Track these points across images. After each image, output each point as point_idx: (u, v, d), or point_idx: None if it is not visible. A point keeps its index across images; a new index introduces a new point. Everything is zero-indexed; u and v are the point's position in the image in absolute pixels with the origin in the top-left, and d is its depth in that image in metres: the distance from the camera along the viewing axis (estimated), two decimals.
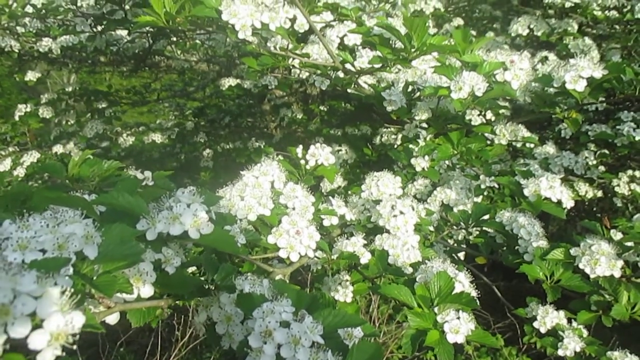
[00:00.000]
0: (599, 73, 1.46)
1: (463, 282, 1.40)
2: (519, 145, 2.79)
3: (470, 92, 1.48)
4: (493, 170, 2.30)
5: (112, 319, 0.92)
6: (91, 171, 1.40)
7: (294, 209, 1.47)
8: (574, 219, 4.44)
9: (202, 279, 1.10)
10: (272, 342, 0.89)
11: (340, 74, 2.00)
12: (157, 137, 4.15)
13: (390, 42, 1.62)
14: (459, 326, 1.28)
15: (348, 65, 1.84)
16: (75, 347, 0.63)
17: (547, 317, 1.83)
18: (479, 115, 1.92)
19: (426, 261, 1.47)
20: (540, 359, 4.27)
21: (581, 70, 1.44)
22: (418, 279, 1.43)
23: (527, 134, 2.21)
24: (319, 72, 1.98)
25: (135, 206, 1.00)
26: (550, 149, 2.81)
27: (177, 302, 1.00)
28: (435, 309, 1.30)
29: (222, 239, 0.97)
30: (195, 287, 1.02)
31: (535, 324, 1.83)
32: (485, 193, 2.36)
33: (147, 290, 0.96)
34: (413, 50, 1.51)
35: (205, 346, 4.53)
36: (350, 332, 1.10)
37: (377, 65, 1.77)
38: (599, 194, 3.06)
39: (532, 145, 2.76)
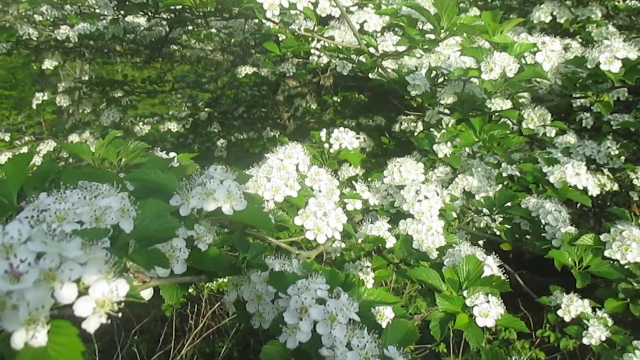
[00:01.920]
0: (634, 54, 1.43)
1: (491, 266, 1.38)
2: (539, 134, 2.75)
3: (502, 74, 1.46)
4: (514, 158, 2.27)
5: (146, 294, 0.92)
6: (117, 152, 1.39)
7: (320, 191, 1.46)
8: (586, 213, 4.39)
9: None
10: (308, 318, 0.88)
11: (363, 59, 1.98)
12: (173, 126, 4.15)
13: (418, 23, 1.60)
14: (488, 310, 1.26)
15: (371, 50, 1.82)
16: (109, 320, 0.63)
17: (572, 306, 1.80)
18: (507, 98, 1.89)
19: (454, 245, 1.45)
20: (553, 353, 4.25)
21: (616, 51, 1.41)
22: (446, 262, 1.41)
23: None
24: (341, 56, 1.96)
25: (168, 182, 0.99)
26: (571, 138, 2.77)
27: (210, 279, 0.99)
28: (464, 293, 1.29)
29: (256, 215, 0.96)
30: (227, 264, 1.01)
31: (560, 312, 1.81)
32: (505, 182, 2.34)
33: (180, 267, 0.96)
34: (443, 30, 1.49)
35: (218, 335, 4.55)
36: (382, 312, 1.09)
37: (401, 49, 1.75)
38: (615, 187, 3.01)
39: (552, 135, 2.73)
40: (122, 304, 0.63)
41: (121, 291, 0.63)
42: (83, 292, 0.61)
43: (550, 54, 1.51)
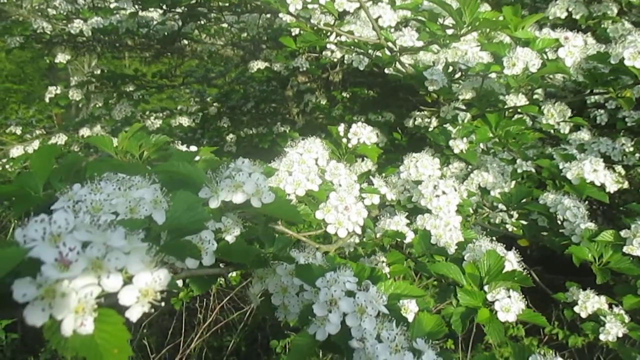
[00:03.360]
0: None
1: (512, 261, 1.38)
2: (552, 131, 2.75)
3: (524, 69, 1.46)
4: (529, 155, 2.27)
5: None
6: (139, 145, 1.40)
7: (340, 185, 1.46)
8: (595, 210, 4.37)
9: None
10: (337, 310, 0.89)
11: (378, 54, 1.98)
12: (184, 121, 4.17)
13: (439, 18, 1.60)
14: (509, 305, 1.26)
15: (389, 45, 1.82)
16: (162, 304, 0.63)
17: (588, 302, 1.81)
18: (526, 94, 1.89)
19: (474, 240, 1.45)
20: (561, 350, 4.25)
21: None
22: (466, 257, 1.41)
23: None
24: (359, 51, 1.96)
25: (196, 175, 1.00)
26: (585, 135, 2.76)
27: (237, 271, 0.99)
28: (485, 288, 1.29)
29: (284, 208, 0.97)
30: (255, 257, 1.01)
31: (576, 309, 1.81)
32: (519, 179, 2.34)
33: (208, 259, 0.96)
34: (465, 25, 1.49)
35: (226, 329, 4.58)
36: (406, 306, 1.10)
37: (419, 44, 1.74)
38: (625, 184, 2.99)
39: (566, 131, 2.72)
40: (165, 293, 0.63)
41: (163, 281, 0.63)
42: (127, 281, 0.62)
43: (573, 49, 1.51)
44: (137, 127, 1.40)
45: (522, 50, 1.46)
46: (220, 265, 1.05)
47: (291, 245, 1.12)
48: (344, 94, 4.70)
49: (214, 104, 5.25)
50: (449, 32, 1.55)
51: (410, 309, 1.09)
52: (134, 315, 0.63)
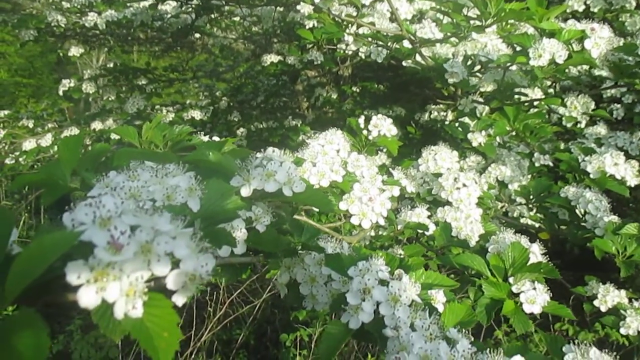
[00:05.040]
0: None
1: (536, 253, 1.38)
2: (568, 125, 2.73)
3: (550, 60, 1.45)
4: (546, 148, 2.26)
5: None
6: (163, 135, 1.40)
7: (363, 177, 1.46)
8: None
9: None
10: (370, 299, 0.89)
11: (397, 46, 1.97)
12: (197, 114, 4.17)
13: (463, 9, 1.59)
14: (535, 297, 1.26)
15: (409, 36, 1.81)
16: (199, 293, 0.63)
17: (608, 296, 1.80)
18: (541, 88, 1.87)
19: (496, 232, 1.45)
20: None
21: None
22: (490, 249, 1.41)
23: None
24: (379, 43, 1.95)
25: (227, 164, 1.00)
26: (601, 129, 2.74)
27: (268, 260, 1.00)
28: (510, 279, 1.29)
29: (316, 197, 0.97)
30: (286, 246, 1.01)
31: (596, 303, 1.80)
32: (535, 172, 2.33)
33: (240, 248, 0.96)
34: (490, 16, 1.48)
35: (236, 323, 4.60)
36: (434, 296, 1.10)
37: (439, 36, 1.73)
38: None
39: (582, 125, 2.70)
40: (210, 278, 0.63)
41: (209, 266, 0.63)
42: (173, 266, 0.62)
43: (599, 40, 1.50)
44: (160, 118, 1.40)
45: (549, 41, 1.45)
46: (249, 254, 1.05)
47: (319, 235, 1.12)
48: (354, 89, 4.69)
49: (223, 98, 5.26)
50: (476, 23, 1.54)
51: (438, 299, 1.08)
52: (180, 300, 0.63)
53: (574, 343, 0.90)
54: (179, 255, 0.61)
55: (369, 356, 3.61)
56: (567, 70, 2.15)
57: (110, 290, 0.55)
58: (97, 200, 0.60)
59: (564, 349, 0.89)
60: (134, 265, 0.57)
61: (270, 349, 4.47)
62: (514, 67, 1.74)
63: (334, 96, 4.47)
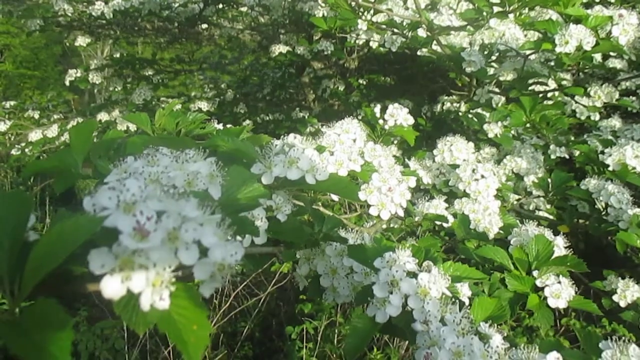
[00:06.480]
0: None
1: (560, 246, 1.34)
2: (582, 117, 2.68)
3: (578, 46, 1.40)
4: (562, 141, 2.21)
5: None
6: (176, 122, 1.36)
7: (381, 166, 1.42)
8: None
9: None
10: (398, 292, 0.85)
11: (411, 34, 1.92)
12: (204, 105, 4.13)
13: None
14: (560, 291, 1.22)
15: (427, 24, 1.76)
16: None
17: (628, 291, 1.75)
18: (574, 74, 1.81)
19: (517, 225, 1.41)
20: (577, 342, 4.20)
21: None
22: (512, 242, 1.37)
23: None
24: (395, 31, 1.90)
25: (246, 150, 0.96)
26: (616, 122, 2.69)
27: (288, 250, 0.96)
28: (534, 273, 1.25)
29: (341, 184, 0.93)
30: (307, 236, 0.98)
31: (615, 298, 1.76)
32: (552, 165, 2.29)
33: (261, 237, 0.93)
34: (516, 1, 1.43)
35: (240, 315, 4.58)
36: (459, 289, 1.06)
37: (457, 24, 1.69)
38: None
39: (596, 118, 2.65)
40: (240, 268, 0.59)
41: (238, 255, 0.60)
42: (200, 255, 0.58)
43: (627, 27, 1.45)
44: (174, 105, 1.37)
45: (576, 27, 1.40)
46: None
47: (340, 225, 1.08)
48: (361, 81, 4.64)
49: (229, 90, 5.21)
50: (498, 9, 1.49)
51: (463, 292, 1.05)
52: (207, 291, 0.59)
53: (611, 339, 0.85)
54: (207, 243, 0.57)
55: (375, 349, 3.58)
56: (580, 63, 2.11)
57: (136, 279, 0.51)
58: (121, 183, 0.56)
59: (601, 345, 0.85)
60: (161, 253, 0.53)
61: (276, 341, 4.46)
62: (533, 57, 1.69)
63: (341, 88, 4.42)
